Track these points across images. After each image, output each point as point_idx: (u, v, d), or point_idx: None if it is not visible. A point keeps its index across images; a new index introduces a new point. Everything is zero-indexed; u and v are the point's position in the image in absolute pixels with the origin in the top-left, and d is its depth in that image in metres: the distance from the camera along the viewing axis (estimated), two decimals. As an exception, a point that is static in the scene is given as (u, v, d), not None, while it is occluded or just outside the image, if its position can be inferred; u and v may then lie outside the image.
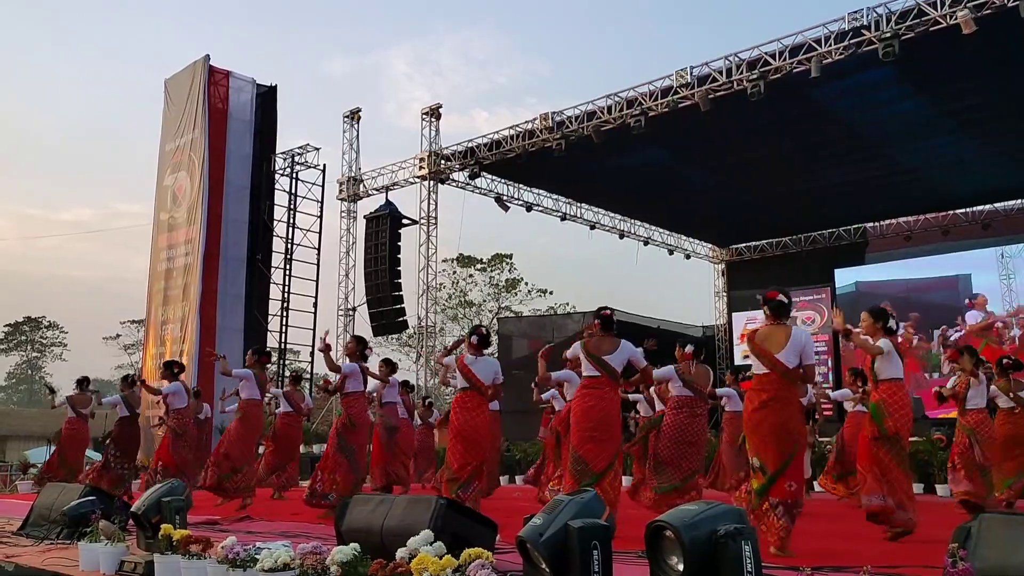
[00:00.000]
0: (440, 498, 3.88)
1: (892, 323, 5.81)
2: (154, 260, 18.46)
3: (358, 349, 7.69)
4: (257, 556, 3.36)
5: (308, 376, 20.14)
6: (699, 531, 2.15)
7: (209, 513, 7.39)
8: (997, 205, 17.40)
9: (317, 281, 19.07)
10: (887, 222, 19.00)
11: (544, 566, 2.40)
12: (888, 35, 10.92)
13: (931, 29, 10.75)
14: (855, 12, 11.33)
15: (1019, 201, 17.13)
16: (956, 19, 10.38)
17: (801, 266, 19.95)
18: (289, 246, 18.80)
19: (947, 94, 12.69)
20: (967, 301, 17.21)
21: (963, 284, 17.42)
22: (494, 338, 29.55)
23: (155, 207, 18.78)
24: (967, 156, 14.91)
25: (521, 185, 17.61)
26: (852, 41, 11.35)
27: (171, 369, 9.07)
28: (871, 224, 19.20)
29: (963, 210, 17.82)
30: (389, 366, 9.91)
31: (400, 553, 3.09)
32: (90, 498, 5.33)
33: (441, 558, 2.82)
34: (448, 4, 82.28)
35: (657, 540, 2.24)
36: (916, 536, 5.33)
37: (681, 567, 2.16)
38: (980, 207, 17.59)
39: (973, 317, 17.03)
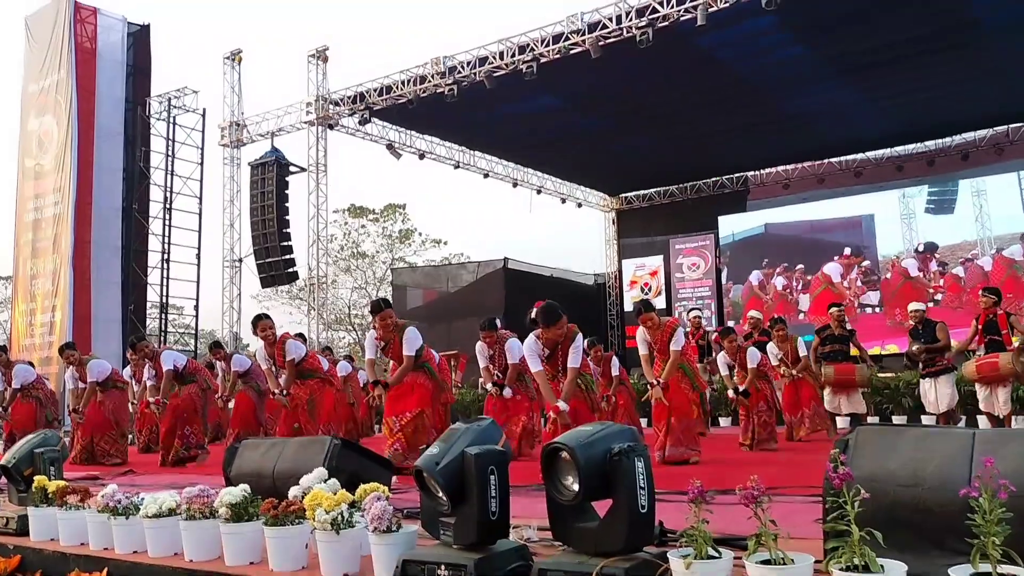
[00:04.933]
0: (334, 437, 3.82)
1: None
2: (20, 210, 17.35)
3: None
4: (140, 504, 3.22)
5: (193, 332, 19.47)
6: (594, 450, 2.17)
7: (88, 469, 7.16)
8: (869, 154, 18.27)
9: (200, 231, 18.35)
10: (767, 171, 19.69)
11: (440, 494, 2.38)
12: (771, -17, 11.16)
13: (811, -22, 11.06)
14: (739, -41, 11.52)
15: (889, 150, 18.03)
16: (834, -31, 10.72)
17: (687, 214, 20.54)
18: (168, 194, 17.95)
19: (827, 42, 13.11)
20: (845, 252, 18.01)
21: (867, 224, 17.97)
22: (388, 289, 29.29)
23: (19, 153, 17.58)
24: (844, 104, 15.52)
25: (413, 132, 17.31)
26: (737, -11, 11.55)
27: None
28: (752, 172, 19.87)
29: (838, 159, 18.64)
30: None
31: (293, 492, 3.02)
32: (-46, 456, 5.00)
33: (336, 494, 2.77)
34: (333, -55, 78.96)
35: (553, 462, 2.26)
36: (785, 461, 6.70)
37: (576, 487, 2.18)
38: (853, 156, 18.44)
39: (832, 269, 17.99)
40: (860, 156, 18.38)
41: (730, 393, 8.36)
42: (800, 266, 18.53)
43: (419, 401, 6.21)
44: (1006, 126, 16.73)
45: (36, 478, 3.79)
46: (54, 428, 9.41)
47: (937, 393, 9.24)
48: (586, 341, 7.47)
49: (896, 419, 11.10)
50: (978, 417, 9.76)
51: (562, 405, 5.70)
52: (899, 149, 17.92)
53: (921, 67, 13.78)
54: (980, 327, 8.84)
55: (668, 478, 4.55)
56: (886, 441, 2.23)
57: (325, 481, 3.00)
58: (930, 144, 17.60)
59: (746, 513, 2.00)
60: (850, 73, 14.16)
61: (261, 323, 7.31)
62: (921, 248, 17.24)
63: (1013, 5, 11.92)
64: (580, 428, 2.30)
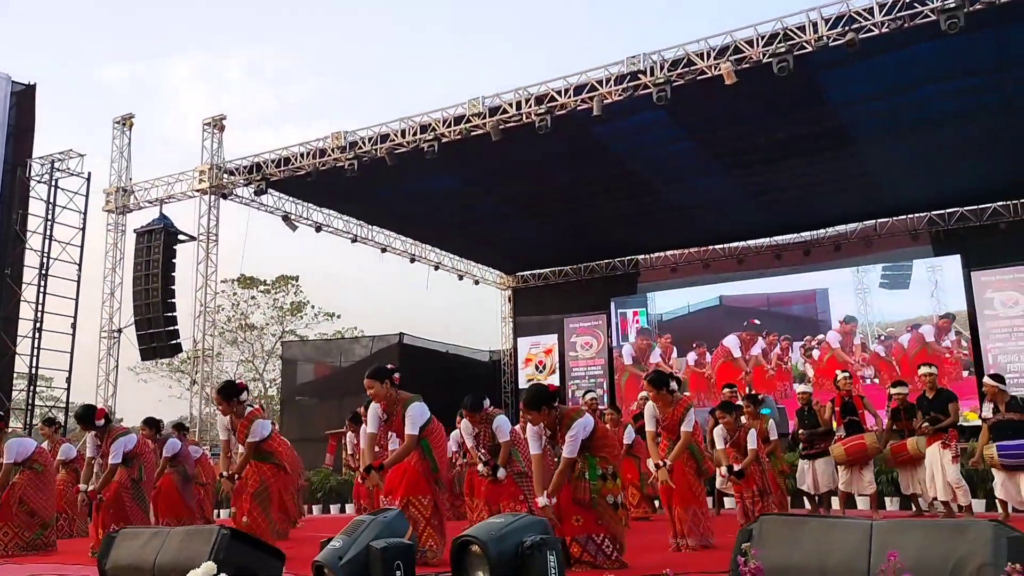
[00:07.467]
0: (222, 528, 3.61)
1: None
2: None
3: None
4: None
5: (64, 406, 18.26)
6: (506, 544, 2.12)
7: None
8: (751, 242, 19.24)
9: (77, 300, 17.42)
10: (656, 255, 20.41)
11: (343, 591, 2.27)
12: (661, 81, 11.78)
13: (699, 78, 11.73)
14: (633, 57, 12.12)
15: (768, 239, 19.03)
16: (720, 70, 11.40)
17: (580, 294, 20.96)
18: (45, 260, 17.04)
19: (713, 138, 13.86)
20: (839, 323, 17.63)
21: (821, 299, 17.89)
22: (277, 363, 28.37)
23: None
24: (728, 196, 16.36)
25: (311, 204, 17.13)
26: (630, 84, 12.12)
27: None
28: (642, 256, 20.55)
29: (722, 245, 19.52)
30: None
31: (178, 588, 2.83)
32: None
33: (226, 591, 2.60)
34: (235, 19, 79.00)
35: (463, 555, 2.19)
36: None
37: (487, 582, 2.12)
38: (736, 243, 19.36)
39: (834, 338, 17.61)
40: (742, 244, 19.31)
41: (722, 471, 7.56)
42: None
43: (407, 488, 5.47)
44: (874, 220, 17.93)
45: None
46: None
47: (816, 475, 9.61)
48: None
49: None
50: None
51: (542, 501, 4.88)
52: (778, 238, 18.94)
53: (797, 166, 14.75)
54: (837, 409, 9.31)
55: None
56: (789, 531, 2.28)
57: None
58: (806, 235, 18.67)
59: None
60: (734, 168, 14.99)
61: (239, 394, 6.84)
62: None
63: (872, 116, 13.00)
64: (491, 520, 2.25)
